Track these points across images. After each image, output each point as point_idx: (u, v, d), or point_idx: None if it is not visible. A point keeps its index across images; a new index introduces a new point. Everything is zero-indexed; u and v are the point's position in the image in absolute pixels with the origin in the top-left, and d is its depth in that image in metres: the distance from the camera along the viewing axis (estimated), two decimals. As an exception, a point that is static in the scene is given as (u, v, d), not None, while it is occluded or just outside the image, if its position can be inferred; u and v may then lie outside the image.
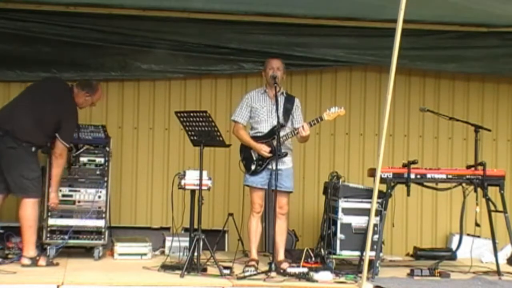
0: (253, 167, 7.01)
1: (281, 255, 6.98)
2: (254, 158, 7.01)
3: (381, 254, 6.90)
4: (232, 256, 7.14)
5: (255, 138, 7.02)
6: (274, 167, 6.70)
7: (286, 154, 6.97)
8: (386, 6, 7.12)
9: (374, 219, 6.57)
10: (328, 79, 8.81)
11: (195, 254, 6.53)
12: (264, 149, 6.92)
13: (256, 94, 7.13)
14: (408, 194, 6.99)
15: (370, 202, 6.52)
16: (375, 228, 6.72)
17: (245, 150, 7.08)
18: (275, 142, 6.82)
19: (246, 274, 6.48)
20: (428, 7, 7.48)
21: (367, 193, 6.88)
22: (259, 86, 7.35)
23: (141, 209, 8.41)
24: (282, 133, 6.84)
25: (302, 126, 6.89)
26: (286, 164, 7.00)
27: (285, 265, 6.81)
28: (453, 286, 6.56)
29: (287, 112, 7.01)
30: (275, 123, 6.85)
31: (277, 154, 6.72)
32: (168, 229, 7.87)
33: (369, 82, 8.83)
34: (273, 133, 6.89)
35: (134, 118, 8.45)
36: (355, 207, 6.98)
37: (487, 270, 7.12)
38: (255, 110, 7.07)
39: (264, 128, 7.03)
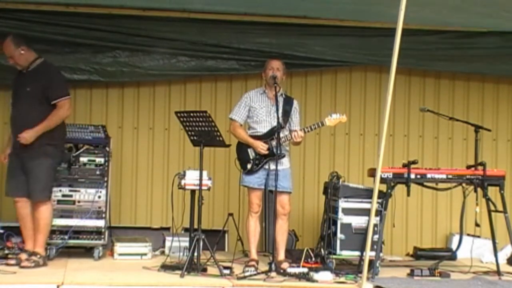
0: (249, 166, 7.01)
1: (281, 255, 6.98)
2: (251, 157, 7.01)
3: (381, 254, 6.90)
4: (232, 256, 7.14)
5: (253, 138, 7.02)
6: (271, 168, 6.72)
7: (284, 155, 6.97)
8: (386, 6, 7.12)
9: (374, 219, 6.58)
10: (328, 79, 8.80)
11: (195, 254, 6.53)
12: (262, 146, 6.92)
13: (255, 94, 7.13)
14: (408, 194, 7.00)
15: (370, 202, 6.52)
16: (375, 228, 6.72)
17: (242, 149, 7.07)
18: (273, 143, 6.84)
19: (246, 274, 6.48)
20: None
21: (367, 193, 6.88)
22: (259, 87, 7.35)
23: (141, 209, 8.40)
24: (281, 134, 6.84)
25: (296, 132, 6.89)
26: (284, 164, 6.99)
27: (285, 265, 6.81)
28: (453, 286, 6.56)
29: (286, 114, 7.01)
30: (273, 123, 6.87)
31: (277, 154, 6.72)
32: (168, 229, 7.86)
33: (369, 82, 8.83)
34: (272, 133, 6.90)
35: (134, 118, 8.45)
36: (355, 207, 6.98)
37: (487, 270, 7.12)
38: (253, 110, 7.06)
39: (262, 128, 7.03)
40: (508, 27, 8.23)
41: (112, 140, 7.52)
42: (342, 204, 6.98)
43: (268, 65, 7.08)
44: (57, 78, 6.98)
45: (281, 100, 6.99)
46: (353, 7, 7.63)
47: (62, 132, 6.98)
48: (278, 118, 6.74)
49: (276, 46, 8.35)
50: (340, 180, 7.17)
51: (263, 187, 7.03)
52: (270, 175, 6.84)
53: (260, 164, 6.97)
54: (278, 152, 6.76)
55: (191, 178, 6.72)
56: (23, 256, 6.72)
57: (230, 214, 8.03)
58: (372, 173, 6.86)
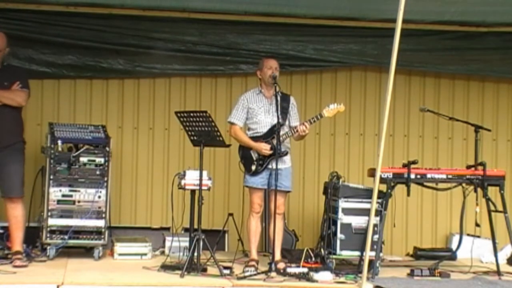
0: (253, 167, 6.99)
1: (277, 255, 6.95)
2: (254, 158, 7.00)
3: (381, 254, 6.90)
4: (232, 256, 7.14)
5: (254, 139, 7.00)
6: (274, 167, 6.69)
7: (286, 153, 6.96)
8: (386, 5, 7.14)
9: (374, 219, 6.58)
10: (328, 79, 8.80)
11: (195, 254, 6.53)
12: (265, 148, 6.91)
13: (252, 94, 7.11)
14: (408, 194, 7.00)
15: (370, 202, 6.52)
16: (375, 228, 6.72)
17: (245, 150, 7.06)
18: (274, 141, 6.83)
19: (246, 274, 6.48)
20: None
21: (367, 193, 6.88)
22: (258, 86, 7.34)
23: (141, 209, 8.40)
24: (281, 132, 6.83)
25: (303, 124, 6.86)
26: (286, 163, 6.99)
27: (281, 265, 6.79)
28: (453, 286, 6.56)
29: (284, 111, 6.98)
30: (273, 122, 6.86)
31: (277, 153, 6.71)
32: (168, 229, 7.87)
33: (369, 82, 8.83)
34: (272, 132, 6.89)
35: (134, 118, 8.45)
36: (355, 207, 6.98)
37: (487, 270, 7.12)
38: (252, 111, 7.04)
39: (262, 128, 7.01)
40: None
41: (112, 140, 7.51)
42: (342, 204, 6.98)
43: (266, 64, 7.03)
44: (26, 76, 7.05)
45: (278, 98, 7.00)
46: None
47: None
48: (278, 117, 6.73)
49: (276, 46, 8.36)
50: (340, 180, 7.16)
51: (265, 187, 7.01)
52: (273, 175, 6.84)
53: (264, 164, 6.95)
54: (280, 150, 6.76)
55: (191, 178, 6.72)
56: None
57: (230, 214, 8.03)
58: (372, 173, 6.86)
